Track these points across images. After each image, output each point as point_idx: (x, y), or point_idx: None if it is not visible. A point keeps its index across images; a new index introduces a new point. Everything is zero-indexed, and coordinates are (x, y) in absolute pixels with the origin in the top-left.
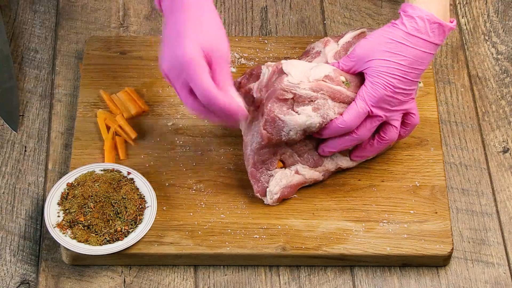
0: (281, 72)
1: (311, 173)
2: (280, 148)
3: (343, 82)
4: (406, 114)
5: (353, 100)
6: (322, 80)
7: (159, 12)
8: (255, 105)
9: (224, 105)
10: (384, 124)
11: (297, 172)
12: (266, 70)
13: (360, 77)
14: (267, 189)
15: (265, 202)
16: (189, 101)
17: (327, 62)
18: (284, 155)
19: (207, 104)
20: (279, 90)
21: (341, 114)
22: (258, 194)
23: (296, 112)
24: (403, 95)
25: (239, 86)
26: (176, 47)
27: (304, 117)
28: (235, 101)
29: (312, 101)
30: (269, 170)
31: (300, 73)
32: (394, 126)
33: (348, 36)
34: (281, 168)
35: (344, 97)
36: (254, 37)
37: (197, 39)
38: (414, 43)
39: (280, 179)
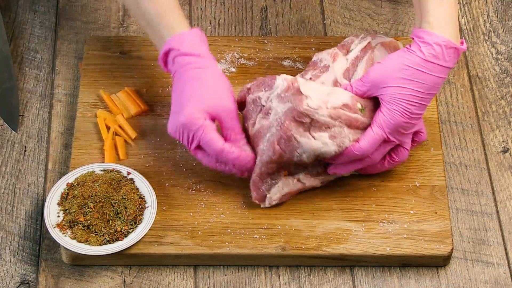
0: (298, 92)
1: (311, 181)
2: (288, 165)
3: (360, 110)
4: (415, 133)
5: (369, 126)
6: (340, 108)
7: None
8: (263, 113)
9: (233, 156)
10: (396, 146)
11: (298, 180)
12: (281, 83)
13: (373, 101)
14: (267, 196)
15: (261, 206)
16: (199, 155)
17: (336, 81)
18: (290, 167)
19: (217, 156)
20: (298, 112)
21: (356, 141)
22: (256, 200)
23: (313, 137)
24: (417, 120)
25: (247, 92)
26: (180, 114)
27: (320, 143)
28: (244, 153)
29: (329, 127)
30: (274, 180)
31: (318, 98)
32: (406, 148)
33: (356, 50)
34: (285, 176)
35: (359, 123)
36: (254, 37)
37: (200, 103)
38: (430, 69)
39: (282, 187)
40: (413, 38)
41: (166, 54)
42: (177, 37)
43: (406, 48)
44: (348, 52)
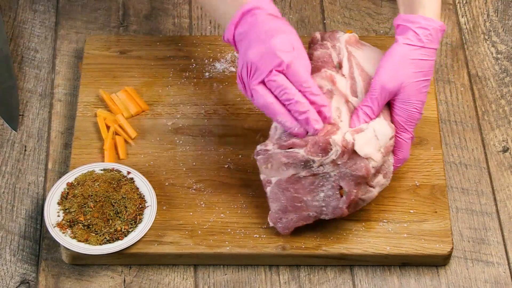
0: (353, 153)
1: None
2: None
3: None
4: None
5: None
6: (390, 145)
7: (227, 44)
8: (305, 167)
9: (315, 91)
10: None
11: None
12: (335, 150)
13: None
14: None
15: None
16: (261, 91)
17: (348, 101)
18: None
19: (300, 86)
20: (362, 177)
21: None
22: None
23: (372, 187)
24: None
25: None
26: (272, 38)
27: (379, 188)
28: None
29: (381, 167)
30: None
31: (373, 148)
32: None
33: (345, 62)
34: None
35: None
36: None
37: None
38: (429, 55)
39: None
40: (399, 26)
41: (245, 14)
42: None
43: (401, 38)
44: (335, 67)
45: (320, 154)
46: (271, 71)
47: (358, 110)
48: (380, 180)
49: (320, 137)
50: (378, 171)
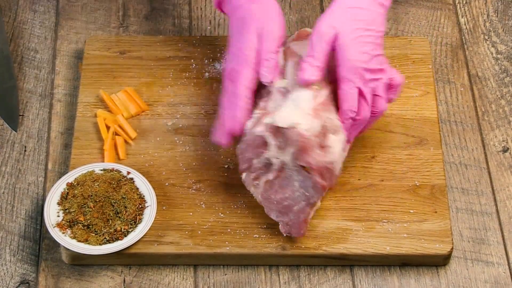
0: (282, 131)
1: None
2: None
3: (316, 89)
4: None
5: (338, 87)
6: (314, 109)
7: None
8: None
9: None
10: (373, 97)
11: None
12: (267, 137)
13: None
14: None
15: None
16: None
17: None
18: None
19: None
20: (302, 145)
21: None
22: (285, 232)
23: (328, 147)
24: (379, 61)
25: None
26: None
27: (339, 144)
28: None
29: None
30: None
31: (297, 115)
32: (381, 95)
33: (281, 57)
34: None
35: (329, 100)
36: None
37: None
38: (370, 4)
39: (309, 217)
40: None
41: None
42: None
43: None
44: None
45: (264, 150)
46: None
47: (301, 63)
48: (333, 137)
49: (249, 137)
50: (324, 131)
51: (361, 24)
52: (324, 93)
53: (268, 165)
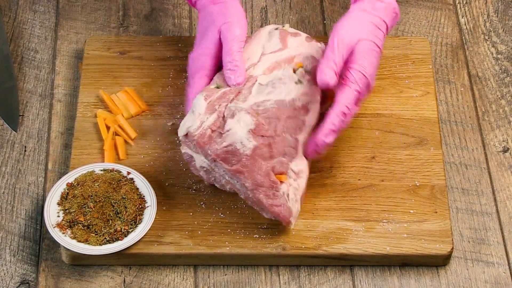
0: (184, 139)
1: (304, 163)
2: (264, 165)
3: (212, 88)
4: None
5: (344, 85)
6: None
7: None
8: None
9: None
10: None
11: (297, 175)
12: (183, 150)
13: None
14: (292, 213)
15: (292, 226)
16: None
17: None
18: (274, 168)
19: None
20: (200, 146)
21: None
22: (290, 219)
23: (228, 130)
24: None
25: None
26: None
27: (242, 124)
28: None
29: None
30: (278, 191)
31: (191, 120)
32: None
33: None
34: (285, 181)
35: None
36: None
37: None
38: (381, 25)
39: (294, 196)
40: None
41: None
42: None
43: (357, 4)
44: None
45: (193, 161)
46: None
47: (320, 64)
48: (230, 121)
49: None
50: (222, 120)
51: (376, 41)
52: (223, 90)
53: (208, 171)
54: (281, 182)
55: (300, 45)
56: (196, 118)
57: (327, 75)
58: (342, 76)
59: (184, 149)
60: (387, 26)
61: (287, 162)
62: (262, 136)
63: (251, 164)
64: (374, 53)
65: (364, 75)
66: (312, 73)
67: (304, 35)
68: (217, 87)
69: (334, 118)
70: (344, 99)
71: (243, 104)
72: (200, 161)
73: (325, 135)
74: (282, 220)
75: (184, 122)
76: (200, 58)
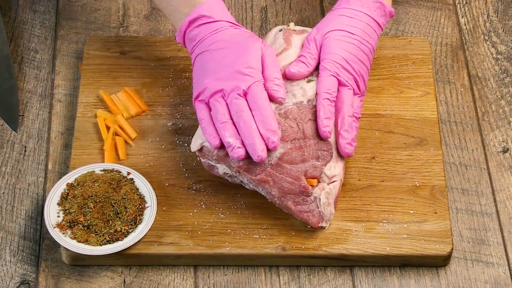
0: (200, 153)
1: (339, 167)
2: (293, 171)
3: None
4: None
5: (319, 76)
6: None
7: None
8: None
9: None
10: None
11: (331, 179)
12: (204, 162)
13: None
14: (324, 216)
15: (326, 229)
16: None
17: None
18: (307, 172)
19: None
20: (219, 157)
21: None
22: (320, 224)
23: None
24: (361, 68)
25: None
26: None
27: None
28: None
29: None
30: (308, 196)
31: (199, 137)
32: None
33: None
34: (317, 185)
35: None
36: None
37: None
38: (360, 17)
39: (326, 199)
40: None
41: (192, 22)
42: (207, 4)
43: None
44: None
45: (216, 169)
46: (229, 93)
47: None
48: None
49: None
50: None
51: (349, 29)
52: None
53: (233, 176)
54: (313, 186)
55: None
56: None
57: (295, 69)
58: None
59: (203, 159)
60: (367, 15)
61: (321, 166)
62: (292, 140)
63: (277, 172)
64: (345, 38)
65: (334, 61)
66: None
67: (310, 30)
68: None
69: (320, 108)
70: (321, 87)
71: None
72: (222, 169)
73: (324, 126)
74: (312, 225)
75: (197, 137)
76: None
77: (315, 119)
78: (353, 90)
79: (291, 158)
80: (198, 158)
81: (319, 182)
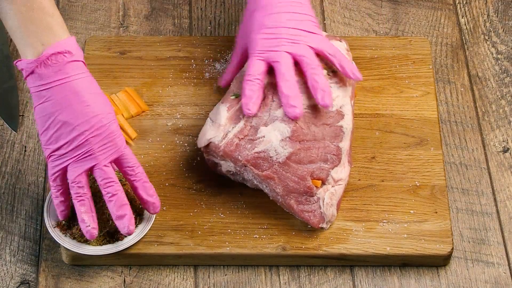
0: (206, 150)
1: (345, 172)
2: (300, 170)
3: (232, 98)
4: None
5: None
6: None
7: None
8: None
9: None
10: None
11: (336, 182)
12: (207, 157)
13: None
14: (325, 217)
15: (325, 229)
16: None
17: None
18: (313, 173)
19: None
20: (223, 155)
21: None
22: (320, 225)
23: (261, 137)
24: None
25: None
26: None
27: (277, 134)
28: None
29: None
30: (312, 196)
31: (211, 132)
32: (303, 55)
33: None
34: (321, 186)
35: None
36: None
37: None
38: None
39: (330, 200)
40: None
41: (54, 55)
42: (71, 40)
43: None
44: None
45: (219, 167)
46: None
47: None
48: (264, 128)
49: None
50: (253, 126)
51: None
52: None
53: (235, 174)
54: (317, 187)
55: None
56: (219, 129)
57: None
58: None
59: (207, 156)
60: None
61: (328, 169)
62: (301, 141)
63: (283, 170)
64: (258, 19)
65: (254, 45)
66: (338, 74)
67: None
68: (236, 97)
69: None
70: (247, 72)
71: (277, 112)
72: (226, 166)
73: (244, 105)
74: (312, 226)
75: (204, 133)
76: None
77: (328, 123)
78: (287, 52)
79: (299, 158)
80: (197, 158)
81: (324, 184)
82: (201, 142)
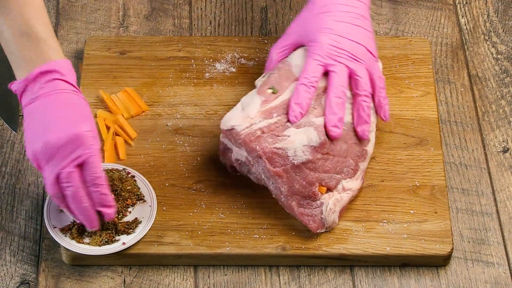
0: (228, 134)
1: (356, 184)
2: (310, 176)
3: (272, 92)
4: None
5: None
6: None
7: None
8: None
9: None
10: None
11: (344, 189)
12: (228, 143)
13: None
14: (325, 223)
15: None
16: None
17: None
18: (323, 181)
19: (93, 182)
20: (244, 143)
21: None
22: (318, 230)
23: (286, 136)
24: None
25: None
26: (69, 126)
27: (302, 134)
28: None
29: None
30: (314, 201)
31: (239, 119)
32: (360, 77)
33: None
34: (326, 193)
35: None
36: (254, 37)
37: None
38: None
39: (333, 206)
40: None
41: (43, 74)
42: (63, 62)
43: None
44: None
45: (229, 153)
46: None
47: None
48: (294, 129)
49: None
50: (281, 125)
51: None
52: (282, 97)
53: (242, 164)
54: (322, 193)
55: None
56: (246, 119)
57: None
58: None
59: (222, 138)
60: None
61: (340, 179)
62: (324, 153)
63: (294, 172)
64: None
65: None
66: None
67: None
68: (273, 92)
69: (294, 93)
70: (301, 74)
71: (315, 119)
72: (238, 154)
73: (292, 110)
74: (310, 230)
75: (230, 117)
76: None
77: (357, 144)
78: (347, 67)
79: (315, 166)
80: (197, 158)
81: (330, 190)
82: (225, 125)
